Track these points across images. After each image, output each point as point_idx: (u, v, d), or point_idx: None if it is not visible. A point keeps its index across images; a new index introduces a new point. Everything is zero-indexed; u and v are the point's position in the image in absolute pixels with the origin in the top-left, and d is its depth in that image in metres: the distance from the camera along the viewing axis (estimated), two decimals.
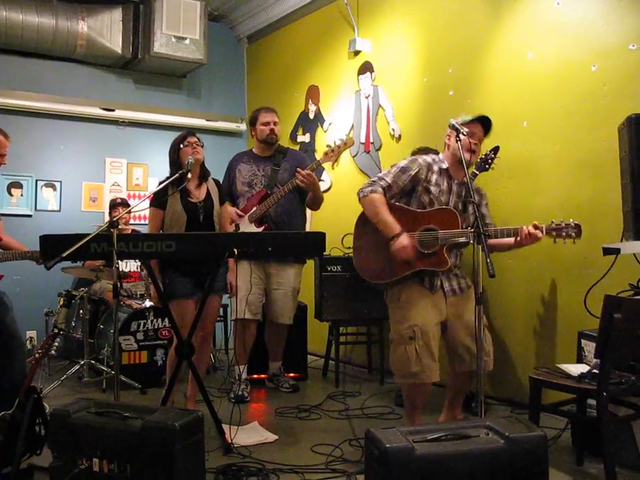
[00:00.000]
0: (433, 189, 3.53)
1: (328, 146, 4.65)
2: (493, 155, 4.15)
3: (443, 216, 3.47)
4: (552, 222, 3.36)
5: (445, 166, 3.59)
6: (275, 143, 4.98)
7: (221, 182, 4.91)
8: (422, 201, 3.54)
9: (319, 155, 6.49)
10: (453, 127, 3.37)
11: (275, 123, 4.93)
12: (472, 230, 3.21)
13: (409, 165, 3.57)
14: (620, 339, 2.84)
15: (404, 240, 3.42)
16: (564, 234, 3.31)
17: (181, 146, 4.05)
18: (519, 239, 3.39)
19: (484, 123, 3.57)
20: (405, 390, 3.59)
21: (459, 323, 3.49)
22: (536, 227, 3.35)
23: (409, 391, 3.54)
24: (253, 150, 5.08)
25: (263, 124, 4.92)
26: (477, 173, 3.82)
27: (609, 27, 3.97)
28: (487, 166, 4.10)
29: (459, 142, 3.28)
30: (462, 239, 3.40)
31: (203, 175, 4.17)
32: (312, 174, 4.62)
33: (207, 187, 4.18)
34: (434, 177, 3.55)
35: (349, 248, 4.53)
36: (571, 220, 3.32)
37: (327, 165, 6.31)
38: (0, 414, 3.13)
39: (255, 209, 4.79)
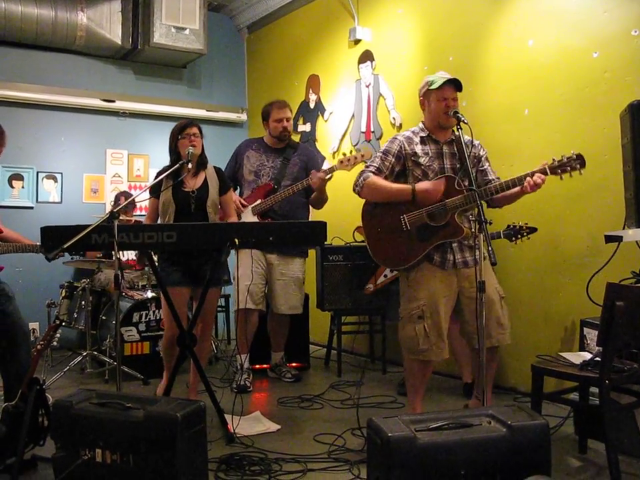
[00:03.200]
0: (421, 159, 3.50)
1: (344, 154, 4.63)
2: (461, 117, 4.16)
3: (446, 184, 3.42)
4: (553, 159, 3.26)
5: (425, 133, 3.56)
6: (287, 139, 4.97)
7: (227, 166, 4.92)
8: (416, 176, 3.51)
9: (319, 145, 6.52)
10: (454, 117, 3.39)
11: (287, 120, 4.89)
12: (475, 190, 3.22)
13: (391, 145, 3.57)
14: (622, 327, 2.84)
15: (422, 186, 3.41)
16: (569, 168, 3.22)
17: (179, 137, 4.05)
18: (524, 188, 3.29)
19: (454, 84, 3.51)
20: (409, 368, 3.58)
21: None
22: (540, 169, 3.26)
23: (413, 368, 3.54)
24: (264, 139, 5.05)
25: (276, 120, 4.88)
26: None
27: (610, 14, 3.94)
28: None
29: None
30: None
31: (201, 163, 4.14)
32: (325, 178, 4.61)
33: (205, 176, 4.16)
34: (418, 148, 3.52)
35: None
36: (572, 151, 3.22)
37: (328, 155, 6.30)
38: (3, 405, 3.15)
39: (259, 201, 4.79)
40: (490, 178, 3.60)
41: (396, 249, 3.54)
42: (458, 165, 3.51)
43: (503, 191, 3.39)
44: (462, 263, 3.49)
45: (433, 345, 3.40)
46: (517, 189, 3.36)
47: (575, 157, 3.21)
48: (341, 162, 4.56)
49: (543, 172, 3.25)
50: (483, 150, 3.66)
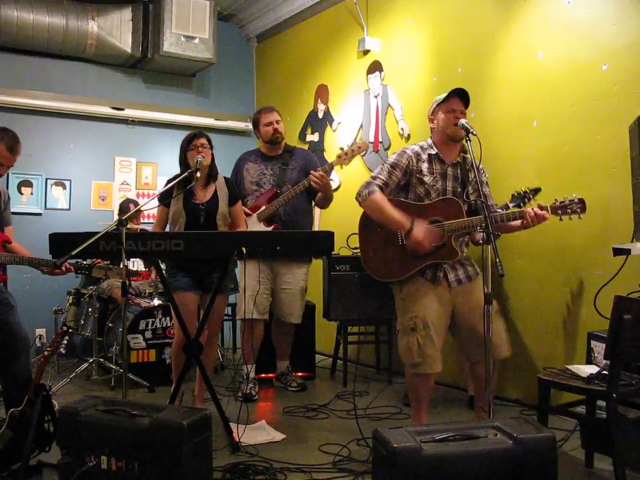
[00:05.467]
0: (426, 178, 3.50)
1: (341, 149, 4.63)
2: (531, 196, 4.14)
3: (446, 206, 3.43)
4: (555, 200, 3.29)
5: (433, 151, 3.55)
6: (281, 142, 4.98)
7: None
8: (418, 193, 3.51)
9: (327, 155, 6.52)
10: (463, 128, 3.37)
11: (277, 122, 4.91)
12: (478, 218, 3.23)
13: (399, 159, 3.55)
14: (630, 341, 2.82)
15: (419, 234, 3.39)
16: (569, 211, 3.24)
17: (187, 149, 4.06)
18: (525, 222, 3.33)
19: (461, 95, 3.53)
20: (410, 382, 3.59)
21: (474, 310, 3.40)
22: (541, 208, 3.29)
23: (413, 382, 3.54)
24: (260, 149, 5.07)
25: (266, 125, 4.92)
26: (510, 206, 3.78)
27: (620, 26, 3.94)
28: (521, 203, 4.09)
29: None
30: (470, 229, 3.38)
31: (211, 175, 4.16)
32: (325, 175, 4.60)
33: (215, 188, 4.17)
34: (424, 166, 3.52)
35: (355, 248, 4.55)
36: (574, 195, 3.25)
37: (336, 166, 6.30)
38: (9, 411, 3.15)
39: (263, 207, 4.79)
40: (489, 203, 3.60)
41: (388, 262, 3.55)
42: (459, 189, 3.54)
43: (502, 222, 3.41)
44: (456, 282, 3.50)
45: (427, 357, 3.39)
46: (517, 222, 3.39)
47: (576, 200, 3.24)
48: (339, 157, 4.56)
49: (546, 210, 3.28)
50: (485, 175, 3.67)
